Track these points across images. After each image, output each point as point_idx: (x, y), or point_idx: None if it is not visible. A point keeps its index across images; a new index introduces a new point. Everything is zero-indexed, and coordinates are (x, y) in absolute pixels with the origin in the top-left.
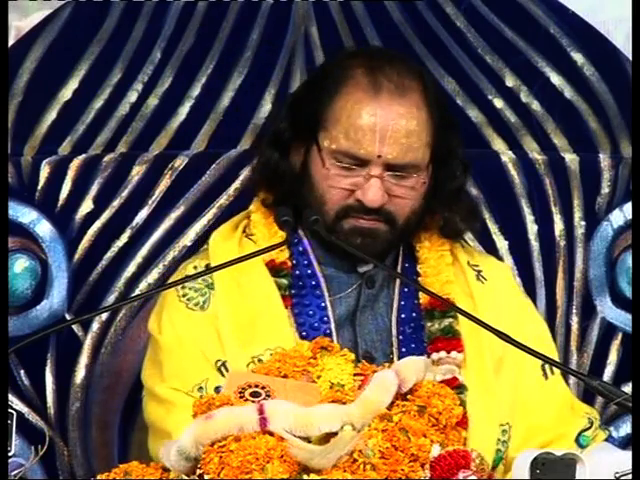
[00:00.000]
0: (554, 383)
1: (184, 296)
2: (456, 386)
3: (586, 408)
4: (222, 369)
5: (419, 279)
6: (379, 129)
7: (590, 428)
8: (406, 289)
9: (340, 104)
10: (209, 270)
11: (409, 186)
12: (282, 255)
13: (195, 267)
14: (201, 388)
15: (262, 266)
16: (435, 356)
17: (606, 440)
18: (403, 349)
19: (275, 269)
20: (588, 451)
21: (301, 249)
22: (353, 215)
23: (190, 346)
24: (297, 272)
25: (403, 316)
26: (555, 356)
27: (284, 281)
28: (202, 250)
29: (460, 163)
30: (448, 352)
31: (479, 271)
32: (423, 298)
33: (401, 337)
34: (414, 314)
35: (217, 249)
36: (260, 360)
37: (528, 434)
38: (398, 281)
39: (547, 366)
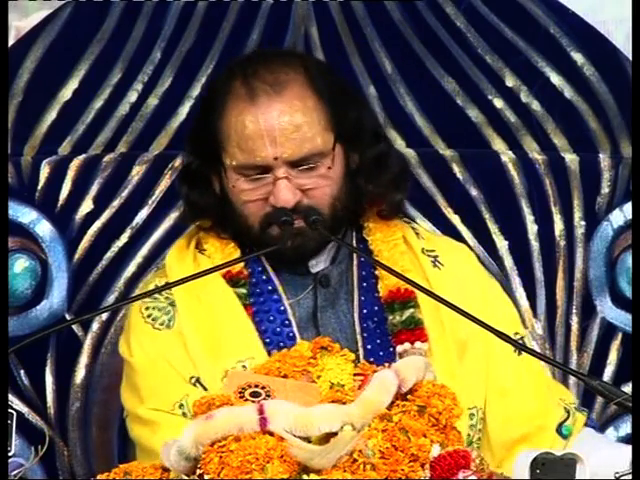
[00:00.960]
0: (528, 359)
1: (149, 317)
2: None
3: (560, 392)
4: (197, 384)
5: (375, 272)
6: (265, 132)
7: (568, 417)
8: (364, 284)
9: (227, 120)
10: (171, 284)
11: (319, 174)
12: (237, 265)
13: (156, 285)
14: (182, 405)
15: (220, 278)
16: (400, 348)
17: (585, 423)
18: (369, 346)
19: (233, 280)
20: (580, 443)
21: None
22: (274, 222)
23: (162, 365)
24: (253, 279)
25: (365, 311)
26: (524, 334)
27: (243, 290)
28: (161, 267)
29: (370, 133)
30: (412, 343)
31: (435, 257)
32: (383, 291)
33: (365, 334)
34: (375, 308)
35: (174, 267)
36: None
37: (508, 420)
38: (356, 277)
39: (522, 341)
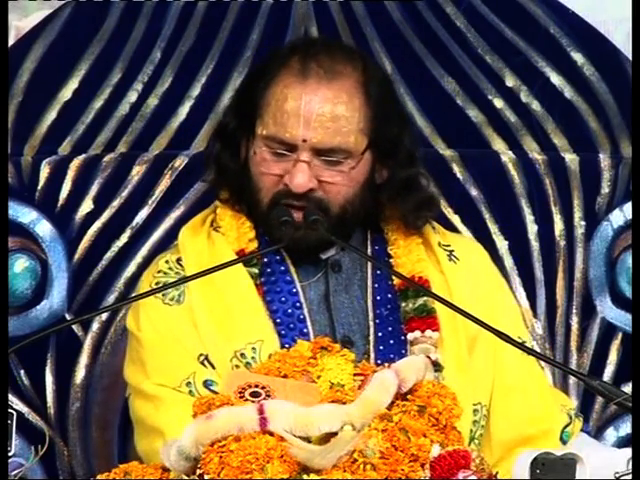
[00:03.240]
0: (532, 362)
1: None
2: None
3: (562, 399)
4: (205, 362)
5: (391, 261)
6: (303, 113)
7: (570, 424)
8: (378, 271)
9: (272, 90)
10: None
11: (341, 171)
12: (251, 245)
13: (167, 261)
14: (189, 383)
15: (233, 257)
16: (411, 336)
17: (581, 428)
18: (380, 333)
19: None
20: (576, 447)
21: (267, 238)
22: (284, 203)
23: (171, 341)
24: (265, 260)
25: (378, 298)
26: (526, 337)
27: (255, 270)
28: (173, 245)
29: (407, 154)
30: (423, 331)
31: (451, 251)
32: (396, 278)
33: (378, 320)
34: (389, 295)
35: (187, 243)
36: (243, 354)
37: (512, 419)
38: (370, 263)
39: (525, 343)
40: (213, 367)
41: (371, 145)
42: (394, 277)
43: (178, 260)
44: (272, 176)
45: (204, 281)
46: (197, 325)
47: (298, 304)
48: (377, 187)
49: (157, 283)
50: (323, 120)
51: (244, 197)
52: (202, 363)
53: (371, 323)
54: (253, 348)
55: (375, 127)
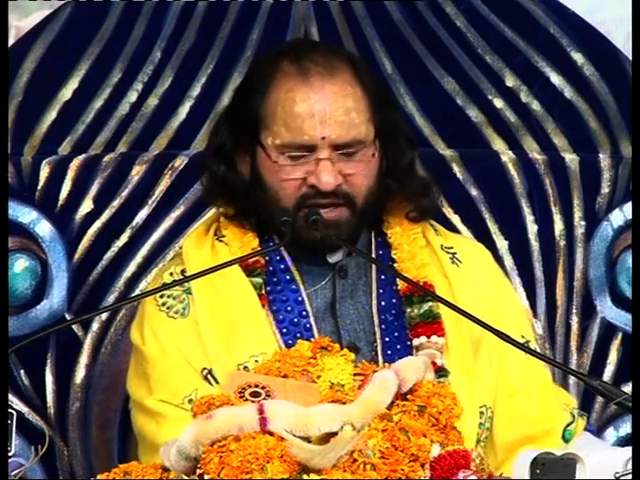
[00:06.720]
0: (535, 362)
1: (164, 305)
2: (436, 370)
3: (565, 398)
4: (209, 377)
5: (395, 265)
6: (317, 112)
7: (573, 422)
8: (383, 276)
9: (273, 98)
10: (190, 277)
11: (359, 162)
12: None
13: (171, 273)
14: (191, 400)
15: (237, 267)
16: (416, 342)
17: (584, 427)
18: (386, 338)
19: (249, 269)
20: (579, 445)
21: (272, 245)
22: (310, 204)
23: (175, 356)
24: (270, 268)
25: (383, 303)
26: (531, 336)
27: (258, 280)
28: (176, 255)
29: (405, 138)
30: (429, 337)
31: (454, 254)
32: (401, 284)
33: (383, 326)
34: (394, 300)
35: (191, 254)
36: (246, 368)
37: (514, 421)
38: (374, 268)
39: (528, 344)
40: (217, 381)
41: (376, 134)
42: (399, 282)
43: (182, 272)
44: (294, 181)
45: (209, 294)
46: (201, 338)
47: (304, 312)
48: (383, 176)
49: (161, 296)
50: (337, 115)
51: (252, 212)
52: (205, 377)
53: (377, 329)
54: (256, 361)
55: (377, 115)
